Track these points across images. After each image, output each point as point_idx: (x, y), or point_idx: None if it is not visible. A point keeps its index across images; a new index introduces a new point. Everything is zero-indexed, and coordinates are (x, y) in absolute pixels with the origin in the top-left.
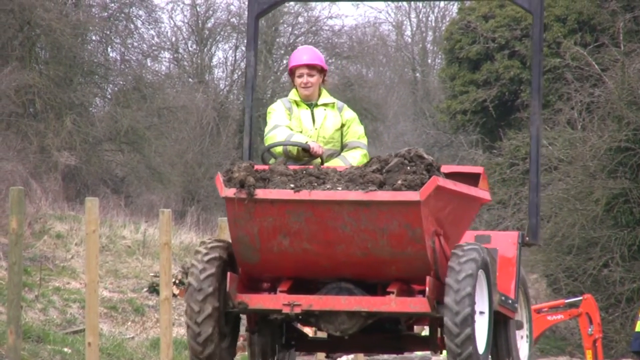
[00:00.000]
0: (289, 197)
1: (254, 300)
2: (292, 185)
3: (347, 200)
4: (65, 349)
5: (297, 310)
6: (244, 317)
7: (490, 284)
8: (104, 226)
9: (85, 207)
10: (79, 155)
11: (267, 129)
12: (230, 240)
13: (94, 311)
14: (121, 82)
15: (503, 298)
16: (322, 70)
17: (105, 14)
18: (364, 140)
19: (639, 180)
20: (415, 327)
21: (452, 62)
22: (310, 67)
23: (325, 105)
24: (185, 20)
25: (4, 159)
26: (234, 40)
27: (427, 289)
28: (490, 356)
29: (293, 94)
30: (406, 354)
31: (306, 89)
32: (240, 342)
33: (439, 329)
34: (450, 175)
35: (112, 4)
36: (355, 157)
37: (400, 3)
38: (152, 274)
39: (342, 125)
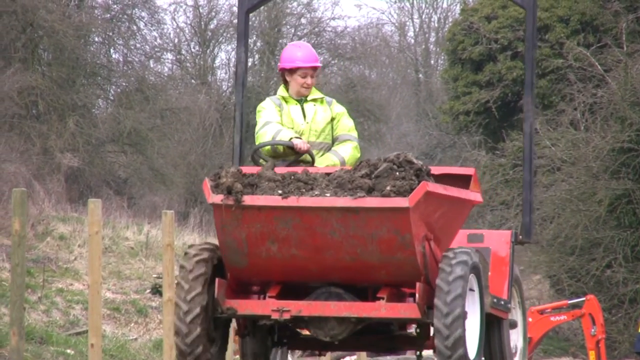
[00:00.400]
0: (276, 203)
1: (243, 306)
2: (279, 192)
3: (336, 207)
4: (68, 351)
5: (287, 316)
6: (233, 320)
7: (482, 287)
8: (107, 228)
9: (88, 209)
10: (81, 156)
11: (257, 127)
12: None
13: (97, 312)
14: (124, 84)
15: (495, 300)
16: (316, 70)
17: (108, 15)
18: (354, 133)
19: None
20: (408, 326)
21: (454, 63)
22: (314, 69)
23: (314, 100)
24: (188, 22)
25: (7, 161)
26: (234, 41)
27: (417, 295)
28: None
29: (282, 91)
30: (408, 354)
31: (306, 89)
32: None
33: (431, 328)
34: (441, 177)
35: (115, 6)
36: (347, 150)
37: (402, 4)
38: (155, 276)
39: (332, 119)
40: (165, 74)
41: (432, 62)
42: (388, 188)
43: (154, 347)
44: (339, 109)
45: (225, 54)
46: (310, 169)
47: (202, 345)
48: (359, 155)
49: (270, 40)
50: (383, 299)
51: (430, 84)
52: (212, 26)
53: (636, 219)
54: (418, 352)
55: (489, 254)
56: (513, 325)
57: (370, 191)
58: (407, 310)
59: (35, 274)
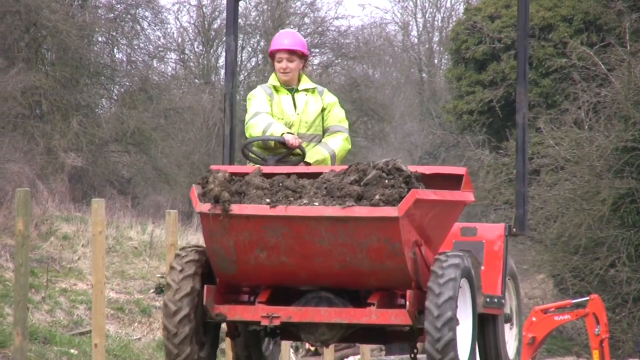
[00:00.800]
0: (265, 213)
1: (233, 312)
2: (268, 200)
3: (325, 217)
4: (72, 351)
5: (277, 322)
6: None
7: (474, 290)
8: (111, 227)
9: (92, 209)
10: (85, 156)
11: (247, 117)
12: None
13: (100, 312)
14: (128, 84)
15: (488, 300)
16: (303, 56)
17: (112, 15)
18: (346, 124)
19: None
20: None
21: (458, 62)
22: (291, 52)
23: (306, 90)
24: (192, 22)
25: (11, 161)
26: (240, 42)
27: (407, 302)
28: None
29: (273, 79)
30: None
31: (285, 75)
32: None
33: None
34: (433, 177)
35: (119, 6)
36: (337, 143)
37: (406, 3)
38: (159, 275)
39: (324, 110)
40: (169, 74)
41: (436, 61)
42: (377, 197)
43: (157, 347)
44: (330, 99)
45: None
46: (299, 169)
47: (191, 346)
48: (349, 147)
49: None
50: (374, 305)
51: (434, 83)
52: (215, 26)
53: None
54: (412, 355)
55: (482, 248)
56: (508, 319)
57: (359, 199)
58: (398, 316)
59: (39, 274)
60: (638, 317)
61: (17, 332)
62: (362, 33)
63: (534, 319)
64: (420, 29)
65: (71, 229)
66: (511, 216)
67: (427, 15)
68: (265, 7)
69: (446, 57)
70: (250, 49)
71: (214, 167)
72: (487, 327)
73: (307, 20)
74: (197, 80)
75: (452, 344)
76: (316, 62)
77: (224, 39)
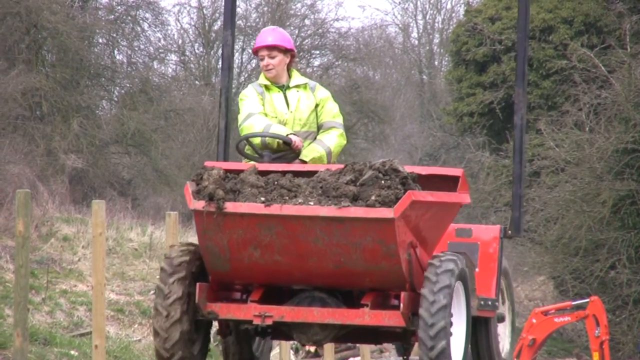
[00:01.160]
0: (259, 211)
1: (225, 310)
2: (262, 199)
3: (320, 216)
4: (72, 352)
5: (269, 321)
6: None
7: (469, 293)
8: (111, 229)
9: (92, 210)
10: (85, 157)
11: (240, 118)
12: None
13: (100, 314)
14: (128, 85)
15: (482, 302)
16: (286, 51)
17: (112, 16)
18: (340, 119)
19: None
20: None
21: (458, 64)
22: (270, 48)
23: (297, 86)
24: (192, 23)
25: (11, 162)
26: (240, 43)
27: (401, 304)
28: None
29: (262, 78)
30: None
31: (269, 71)
32: None
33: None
34: (429, 178)
35: (119, 7)
36: (332, 139)
37: (406, 5)
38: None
39: (317, 105)
40: (169, 75)
41: (436, 63)
42: (373, 198)
43: None
44: (323, 94)
45: None
46: (295, 167)
47: (182, 349)
48: (344, 142)
49: None
50: (367, 305)
51: (434, 85)
52: (216, 27)
53: None
54: (405, 358)
55: (477, 250)
56: (501, 319)
57: (354, 199)
58: (391, 318)
59: (39, 275)
60: (638, 319)
61: (17, 333)
62: (362, 34)
63: (534, 321)
64: (421, 31)
65: (71, 230)
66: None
67: (427, 17)
68: (265, 8)
69: (446, 58)
70: (250, 51)
71: (208, 164)
72: (479, 328)
73: (307, 21)
74: (197, 82)
75: (445, 352)
76: (316, 63)
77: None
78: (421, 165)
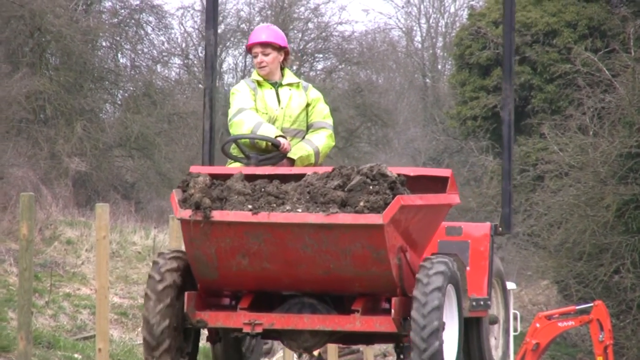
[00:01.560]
0: (246, 219)
1: (214, 318)
2: (250, 207)
3: (308, 224)
4: (76, 355)
5: (259, 329)
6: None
7: (460, 295)
8: (114, 232)
9: (96, 213)
10: (89, 161)
11: (231, 113)
12: None
13: (104, 317)
14: (131, 88)
15: (474, 303)
16: (280, 49)
17: (116, 20)
18: (330, 120)
19: None
20: None
21: (462, 68)
22: (264, 45)
23: (290, 85)
24: (196, 27)
25: (15, 165)
26: (244, 47)
27: (392, 310)
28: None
29: (255, 74)
30: None
31: (262, 69)
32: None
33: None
34: (418, 179)
35: (122, 10)
36: (321, 140)
37: (409, 9)
38: None
39: (308, 105)
40: (173, 79)
41: (440, 66)
42: (362, 204)
43: None
44: (315, 95)
45: (232, 59)
46: (282, 170)
47: (171, 357)
48: (333, 143)
49: None
50: (358, 311)
51: (437, 88)
52: (219, 31)
53: None
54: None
55: (467, 248)
56: (494, 321)
57: (343, 205)
58: (382, 324)
59: (42, 279)
60: None
61: (21, 337)
62: (365, 38)
63: (538, 325)
64: (424, 34)
65: (75, 234)
66: (514, 222)
67: (431, 21)
68: (269, 12)
69: (450, 62)
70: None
71: (193, 169)
72: (470, 328)
73: (310, 25)
74: (200, 85)
75: (438, 354)
76: (319, 67)
77: (227, 43)
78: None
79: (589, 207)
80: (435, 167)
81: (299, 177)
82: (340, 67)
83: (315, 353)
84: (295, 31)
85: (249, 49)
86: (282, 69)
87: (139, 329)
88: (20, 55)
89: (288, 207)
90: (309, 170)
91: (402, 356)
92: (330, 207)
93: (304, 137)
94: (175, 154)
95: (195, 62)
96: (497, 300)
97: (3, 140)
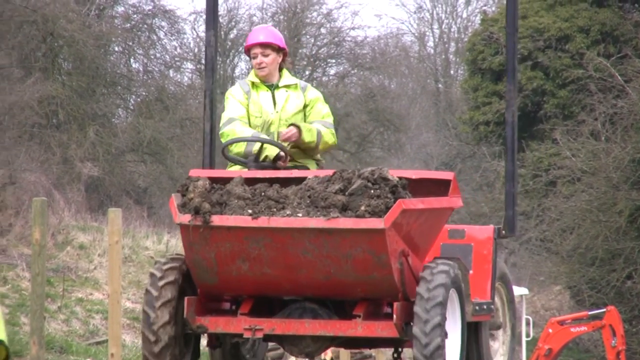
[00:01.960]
0: (246, 224)
1: (214, 324)
2: (250, 211)
3: (308, 228)
4: None
5: (259, 334)
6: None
7: (463, 300)
8: (127, 237)
9: (108, 218)
10: (101, 166)
11: (222, 119)
12: None
13: (116, 322)
14: (144, 93)
15: (477, 307)
16: (279, 50)
17: (128, 25)
18: (329, 119)
19: None
20: None
21: (474, 73)
22: (263, 46)
23: (287, 86)
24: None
25: (27, 170)
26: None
27: (394, 315)
28: None
29: (252, 76)
30: None
31: (261, 70)
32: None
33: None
34: (420, 182)
35: (135, 15)
36: (322, 129)
37: (422, 14)
38: None
39: (306, 106)
40: (185, 84)
41: (452, 72)
42: (363, 208)
43: None
44: (313, 95)
45: (245, 64)
46: (282, 173)
47: (170, 355)
48: (334, 139)
49: (290, 50)
50: (359, 316)
51: (450, 94)
52: (232, 36)
53: None
54: (395, 355)
55: (470, 251)
56: (497, 326)
57: (344, 209)
58: (384, 329)
59: (55, 284)
60: None
61: (34, 342)
62: (378, 43)
63: (550, 330)
64: (436, 40)
65: (87, 239)
66: (527, 227)
67: (443, 26)
68: (282, 17)
69: (462, 67)
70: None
71: (192, 173)
72: (468, 333)
73: (323, 30)
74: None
75: (440, 350)
76: (332, 72)
77: (240, 48)
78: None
79: (602, 212)
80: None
81: (299, 180)
82: (352, 72)
83: (328, 358)
84: (308, 36)
85: (247, 50)
86: (280, 70)
87: None
88: (33, 60)
89: (288, 212)
90: (309, 174)
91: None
92: (331, 211)
93: None
94: (187, 159)
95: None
96: (502, 305)
97: (16, 145)
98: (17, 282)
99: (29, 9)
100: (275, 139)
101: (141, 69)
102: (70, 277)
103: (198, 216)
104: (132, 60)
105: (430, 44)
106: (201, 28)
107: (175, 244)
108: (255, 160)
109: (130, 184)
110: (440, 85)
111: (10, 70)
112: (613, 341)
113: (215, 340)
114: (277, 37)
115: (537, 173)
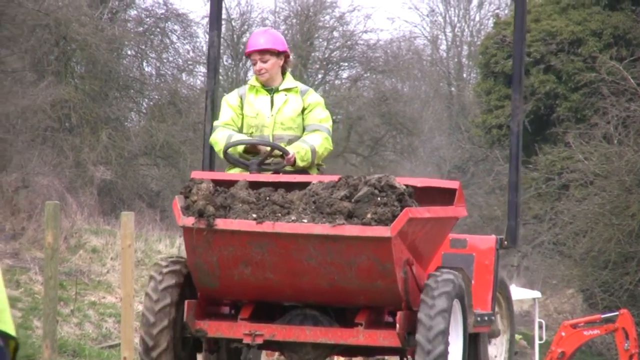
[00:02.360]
0: (250, 228)
1: (213, 328)
2: (254, 215)
3: (313, 234)
4: None
5: (259, 340)
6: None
7: (465, 311)
8: (140, 240)
9: (121, 222)
10: (114, 169)
11: (214, 127)
12: None
13: (129, 325)
14: (156, 97)
15: (479, 319)
16: (279, 54)
17: (141, 28)
18: (327, 124)
19: None
20: None
21: (487, 76)
22: (262, 52)
23: (287, 90)
24: (221, 35)
25: (40, 174)
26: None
27: (397, 325)
28: None
29: (253, 80)
30: None
31: (261, 76)
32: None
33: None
34: (425, 190)
35: (148, 19)
36: (316, 139)
37: (435, 17)
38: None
39: (304, 110)
40: (198, 87)
41: (465, 75)
42: (369, 215)
43: None
44: (313, 99)
45: None
46: (286, 178)
47: (168, 356)
48: (330, 146)
49: (302, 53)
50: (361, 324)
51: (462, 97)
52: (244, 39)
53: None
54: None
55: (472, 261)
56: (495, 334)
57: (349, 216)
58: (386, 338)
59: (67, 287)
60: None
61: (46, 345)
62: (390, 46)
63: (563, 334)
64: (449, 43)
65: (100, 242)
66: (540, 230)
67: (456, 29)
68: (294, 20)
69: (475, 70)
70: None
71: (195, 175)
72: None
73: (335, 33)
74: (225, 94)
75: (443, 357)
76: (345, 75)
77: None
78: (450, 178)
79: (614, 215)
80: (460, 175)
81: (303, 185)
82: (365, 75)
83: None
84: (321, 39)
85: (247, 56)
86: (283, 72)
87: None
88: (46, 64)
89: (293, 217)
90: (314, 179)
91: None
92: (336, 218)
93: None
94: (200, 163)
95: (220, 70)
96: (501, 314)
97: (28, 148)
98: (29, 285)
99: (42, 13)
100: (271, 141)
101: (154, 73)
102: (82, 281)
103: (202, 219)
104: (144, 64)
105: (443, 47)
106: None
107: None
108: (258, 163)
109: (143, 187)
110: (453, 89)
111: (23, 74)
112: (626, 344)
113: (214, 345)
114: (276, 41)
115: (550, 176)
